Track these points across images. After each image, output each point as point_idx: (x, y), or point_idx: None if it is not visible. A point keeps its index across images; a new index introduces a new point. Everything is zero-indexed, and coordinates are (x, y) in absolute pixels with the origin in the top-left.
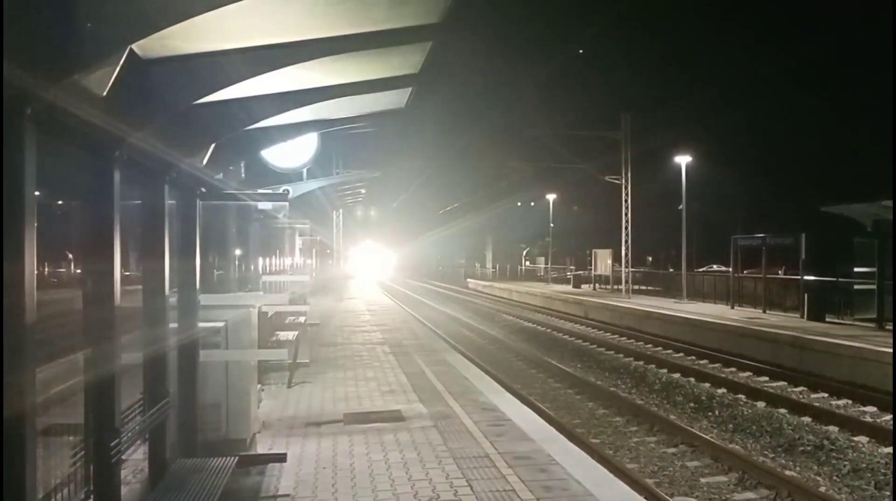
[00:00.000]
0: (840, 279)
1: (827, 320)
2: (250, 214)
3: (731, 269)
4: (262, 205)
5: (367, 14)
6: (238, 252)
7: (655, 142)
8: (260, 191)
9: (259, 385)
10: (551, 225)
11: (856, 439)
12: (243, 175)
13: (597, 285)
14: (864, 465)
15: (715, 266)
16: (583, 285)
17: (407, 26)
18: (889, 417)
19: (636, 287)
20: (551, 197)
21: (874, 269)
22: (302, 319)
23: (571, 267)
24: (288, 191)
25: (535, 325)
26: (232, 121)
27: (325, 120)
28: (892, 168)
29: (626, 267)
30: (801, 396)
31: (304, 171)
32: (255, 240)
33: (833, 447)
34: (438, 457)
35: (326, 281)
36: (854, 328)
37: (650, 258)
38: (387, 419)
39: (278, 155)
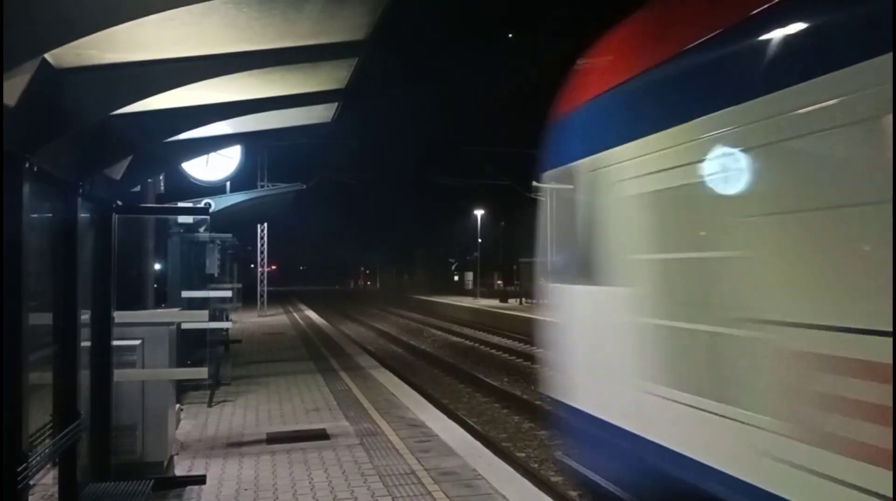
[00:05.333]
0: None
1: None
2: (170, 227)
3: None
4: (182, 219)
5: (292, 29)
6: (157, 267)
7: None
8: (180, 204)
9: (178, 405)
10: (479, 240)
11: None
12: (162, 188)
13: (523, 299)
14: None
15: None
16: (509, 300)
17: (333, 42)
18: None
19: None
20: (479, 212)
21: None
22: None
23: (499, 282)
24: (210, 204)
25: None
26: (151, 133)
27: (250, 132)
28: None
29: None
30: None
31: (227, 184)
32: (175, 254)
33: None
34: (364, 475)
35: None
36: None
37: None
38: (312, 437)
39: (200, 168)
